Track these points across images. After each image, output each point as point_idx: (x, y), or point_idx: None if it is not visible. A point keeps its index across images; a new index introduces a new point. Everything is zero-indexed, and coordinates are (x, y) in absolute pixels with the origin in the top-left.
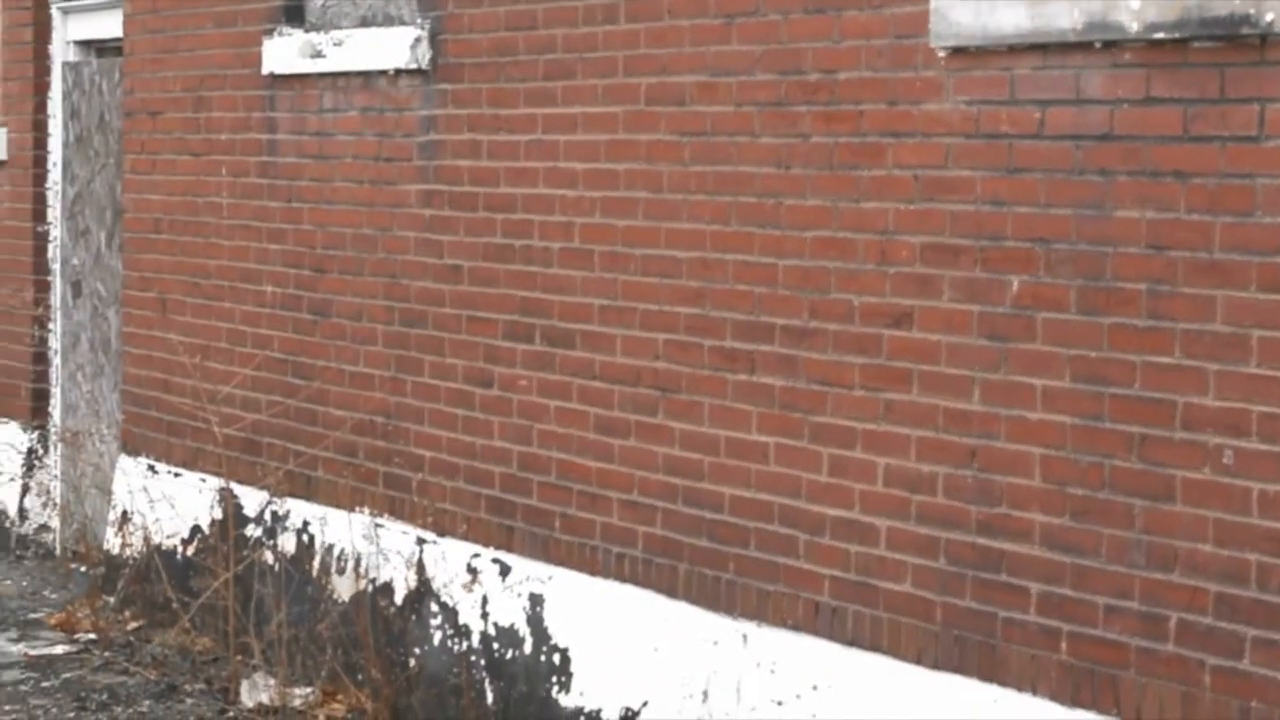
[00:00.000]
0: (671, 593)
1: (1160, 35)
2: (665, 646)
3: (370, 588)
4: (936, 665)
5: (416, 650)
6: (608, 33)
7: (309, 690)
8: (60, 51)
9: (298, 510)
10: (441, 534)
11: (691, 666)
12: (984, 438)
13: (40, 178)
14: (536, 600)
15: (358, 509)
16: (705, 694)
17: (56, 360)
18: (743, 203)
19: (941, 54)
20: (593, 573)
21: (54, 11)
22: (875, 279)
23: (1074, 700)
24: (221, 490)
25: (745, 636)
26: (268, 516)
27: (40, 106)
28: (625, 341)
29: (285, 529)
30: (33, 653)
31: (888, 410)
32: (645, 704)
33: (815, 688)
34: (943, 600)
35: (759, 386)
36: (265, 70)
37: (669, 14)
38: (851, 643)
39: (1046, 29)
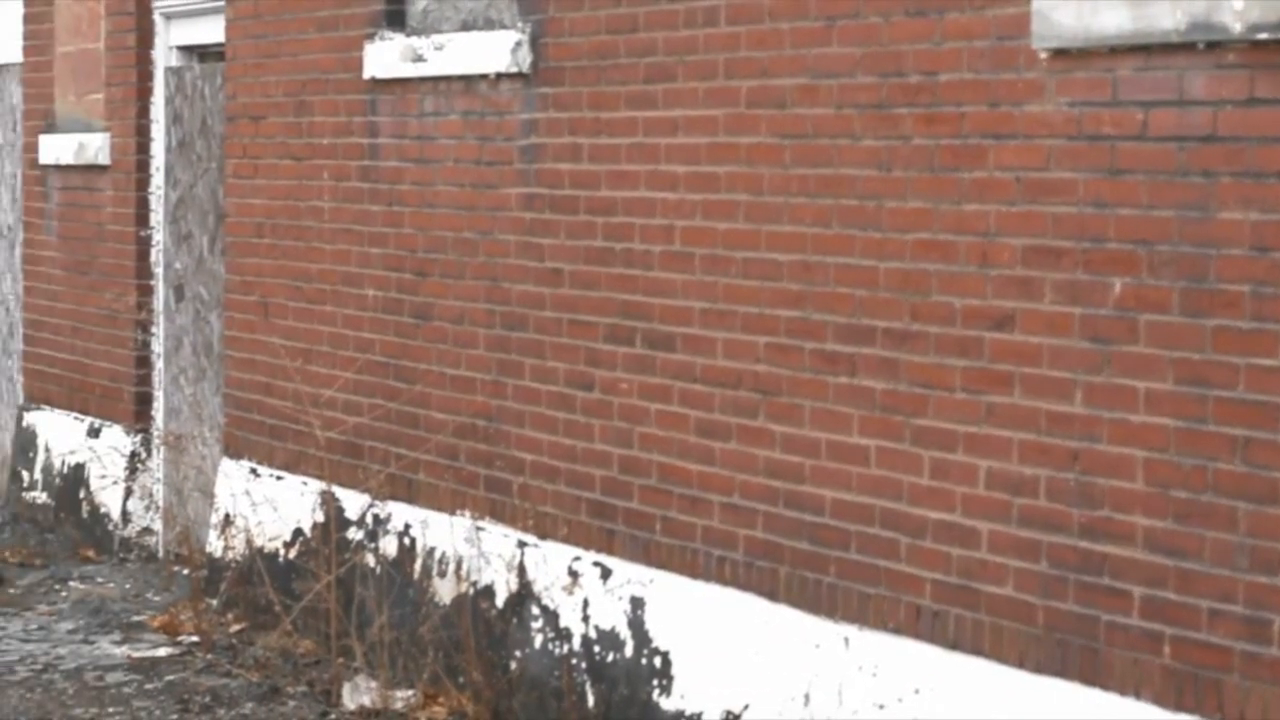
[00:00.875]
0: (772, 596)
1: (1264, 36)
2: (766, 649)
3: (471, 591)
4: (1038, 669)
5: (517, 653)
6: (708, 35)
7: (410, 693)
8: (163, 57)
9: (399, 513)
10: (542, 537)
11: (793, 669)
12: (1086, 440)
13: (143, 182)
14: (637, 603)
15: (459, 512)
16: (807, 697)
17: (159, 364)
18: (844, 205)
19: (1043, 55)
20: (694, 576)
21: (156, 17)
22: (977, 281)
23: (1177, 704)
24: (323, 493)
25: (847, 640)
26: (369, 520)
27: (143, 111)
28: (726, 344)
29: (387, 532)
30: (136, 655)
31: (989, 413)
32: (746, 707)
33: (917, 691)
34: (1045, 604)
35: (860, 389)
36: (367, 74)
37: (770, 17)
38: (953, 646)
39: (1149, 30)
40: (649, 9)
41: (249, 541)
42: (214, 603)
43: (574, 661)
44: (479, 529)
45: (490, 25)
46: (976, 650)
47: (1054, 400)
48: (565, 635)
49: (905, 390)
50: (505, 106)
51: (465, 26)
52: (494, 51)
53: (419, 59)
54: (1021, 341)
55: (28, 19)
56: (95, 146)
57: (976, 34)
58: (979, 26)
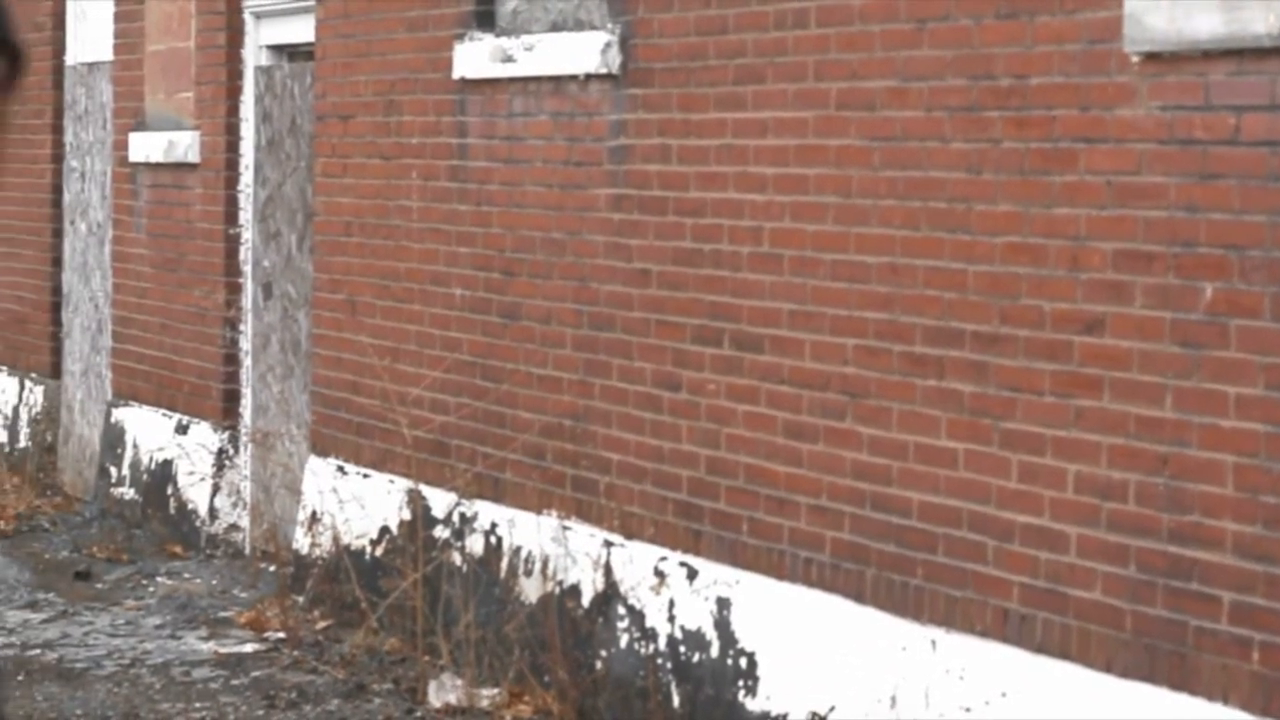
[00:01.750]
0: (859, 598)
1: None
2: (852, 651)
3: (557, 590)
4: (1126, 674)
5: (603, 652)
6: (798, 37)
7: (495, 691)
8: (252, 56)
9: (486, 512)
10: (629, 537)
11: (879, 672)
12: (1176, 445)
13: (232, 181)
14: (723, 604)
15: (545, 511)
16: (894, 699)
17: (247, 361)
18: (933, 208)
19: (1135, 59)
20: (780, 577)
21: (246, 16)
22: (1066, 285)
23: (1265, 710)
24: (410, 491)
25: (934, 642)
26: (456, 518)
27: (232, 110)
28: (814, 346)
29: (473, 530)
30: (222, 650)
31: (1078, 417)
32: (832, 709)
33: (1004, 694)
34: (1133, 608)
35: (948, 392)
36: (456, 75)
37: (860, 19)
38: (1040, 650)
39: (1241, 34)
40: (739, 11)
41: (335, 539)
42: (300, 599)
43: (659, 661)
44: (565, 528)
45: (580, 26)
46: (1064, 654)
47: (1144, 405)
48: (651, 635)
49: (994, 393)
50: (594, 107)
51: (555, 27)
52: (583, 52)
53: (508, 59)
54: (1111, 346)
55: (118, 18)
56: (185, 145)
57: (1068, 37)
58: (1070, 30)
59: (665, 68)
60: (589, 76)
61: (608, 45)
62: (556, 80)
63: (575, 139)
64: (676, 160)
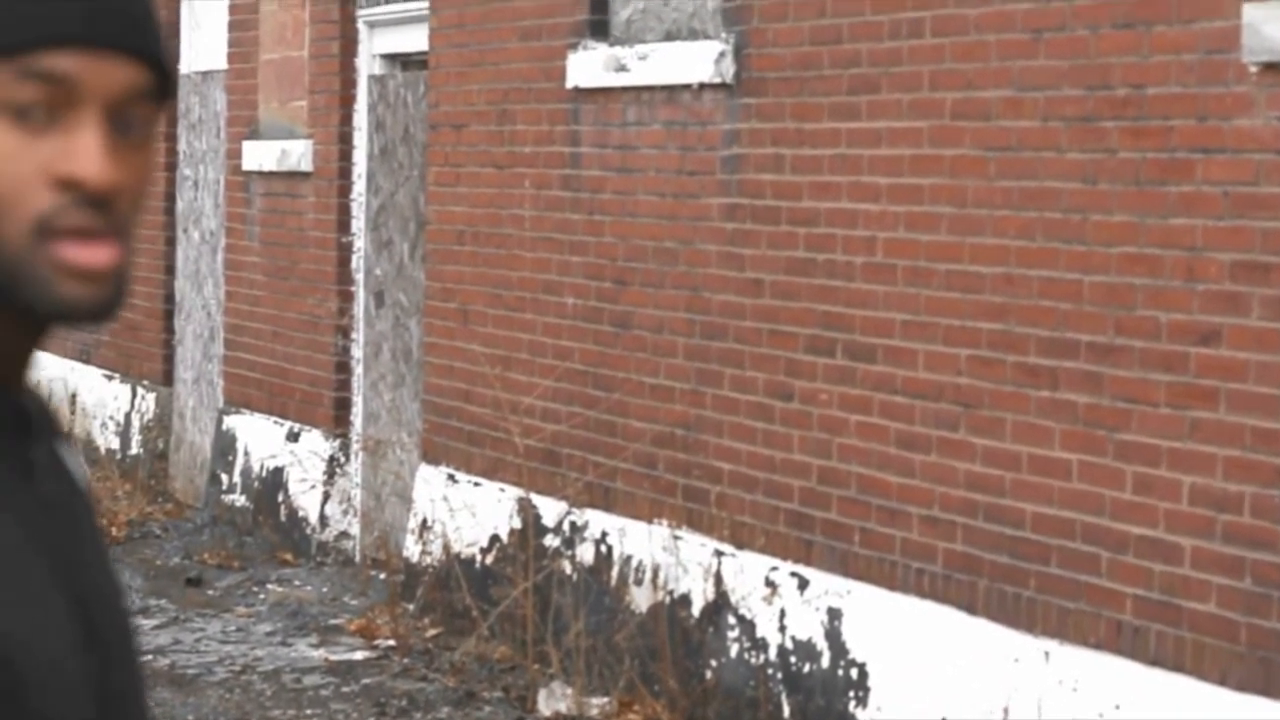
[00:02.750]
0: (971, 609)
1: None
2: (964, 662)
3: (668, 599)
4: (1241, 687)
5: (713, 662)
6: (913, 47)
7: (605, 700)
8: (366, 65)
9: (596, 521)
10: (740, 547)
11: (992, 683)
12: None
13: (345, 189)
14: (835, 614)
15: (656, 520)
16: (1006, 711)
17: (359, 369)
18: (1048, 218)
19: (1253, 69)
20: (892, 588)
21: (360, 25)
22: (1183, 296)
23: None
24: (521, 500)
25: (1047, 654)
26: (566, 527)
27: (346, 119)
28: (927, 356)
29: (584, 539)
30: (333, 658)
31: (1194, 428)
32: (943, 719)
33: (1118, 707)
34: (1248, 621)
35: (1062, 403)
36: (569, 84)
37: (975, 29)
38: (1154, 663)
39: None
40: (853, 20)
41: (446, 547)
42: (411, 607)
43: (770, 671)
44: (676, 538)
45: (694, 35)
46: (1178, 667)
47: (1260, 416)
48: (761, 645)
49: (1108, 405)
50: (708, 117)
51: (669, 36)
52: (698, 62)
53: (622, 69)
54: (1228, 357)
55: (232, 26)
56: (298, 153)
57: (1185, 47)
58: (1188, 40)
59: (779, 77)
60: (703, 86)
61: (722, 55)
62: (670, 89)
63: (689, 148)
64: (790, 170)
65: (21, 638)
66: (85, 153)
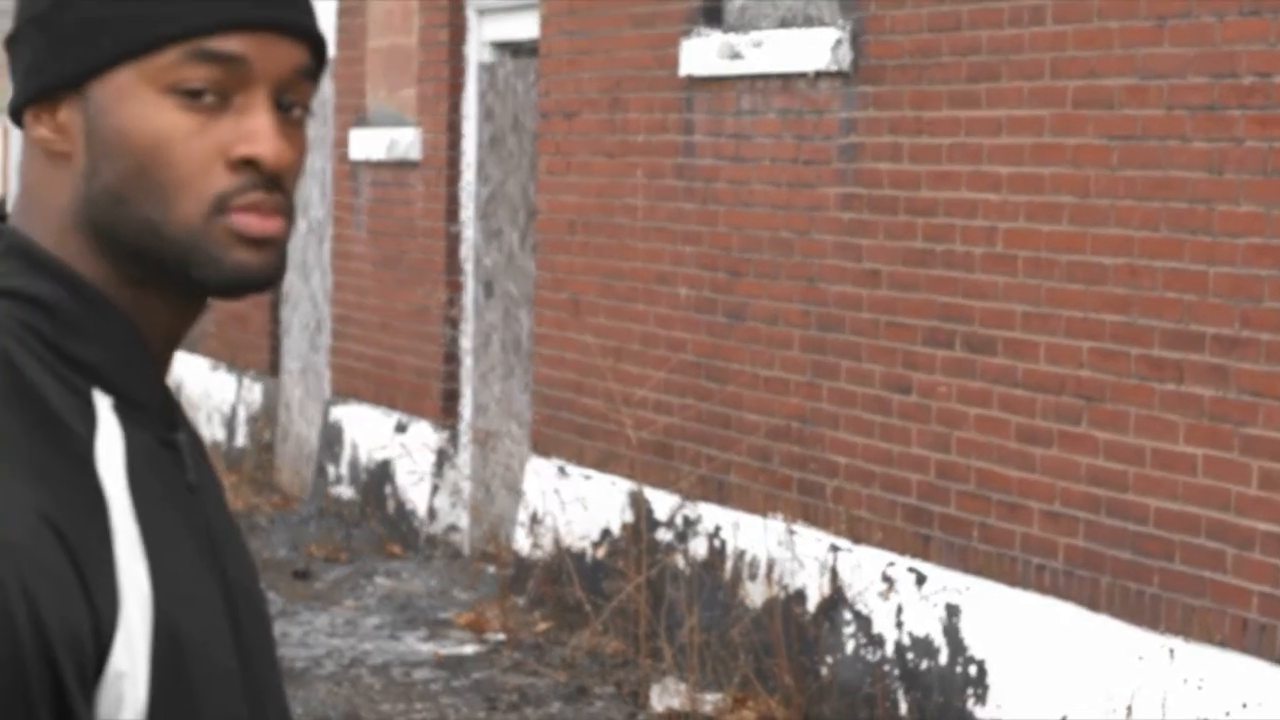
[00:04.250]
0: (1093, 605)
1: None
2: (1086, 660)
3: (783, 594)
4: None
5: (829, 658)
6: (1034, 34)
7: (719, 696)
8: (475, 52)
9: (709, 515)
10: (856, 541)
11: (1114, 681)
12: None
13: (454, 178)
14: (953, 610)
15: (771, 515)
16: (1129, 709)
17: (468, 360)
18: (1172, 208)
19: None
20: (1011, 583)
21: (469, 12)
22: None
23: None
24: (633, 493)
25: (1171, 651)
26: (679, 521)
27: (454, 107)
28: (1049, 349)
29: (697, 533)
30: (442, 652)
31: None
32: (1064, 718)
33: (1244, 705)
34: None
35: (1187, 396)
36: (682, 72)
37: (1098, 16)
38: None
39: None
40: (973, 6)
41: (556, 540)
42: (521, 601)
43: (886, 668)
44: (791, 532)
45: (810, 22)
46: None
47: None
48: (878, 641)
49: (1234, 398)
50: (824, 105)
51: (784, 23)
52: (813, 49)
53: (736, 56)
54: None
55: (340, 14)
56: (407, 142)
57: None
58: None
59: (897, 65)
60: (819, 74)
61: (839, 42)
62: (785, 77)
63: (804, 137)
64: (908, 159)
65: (188, 625)
66: (262, 134)
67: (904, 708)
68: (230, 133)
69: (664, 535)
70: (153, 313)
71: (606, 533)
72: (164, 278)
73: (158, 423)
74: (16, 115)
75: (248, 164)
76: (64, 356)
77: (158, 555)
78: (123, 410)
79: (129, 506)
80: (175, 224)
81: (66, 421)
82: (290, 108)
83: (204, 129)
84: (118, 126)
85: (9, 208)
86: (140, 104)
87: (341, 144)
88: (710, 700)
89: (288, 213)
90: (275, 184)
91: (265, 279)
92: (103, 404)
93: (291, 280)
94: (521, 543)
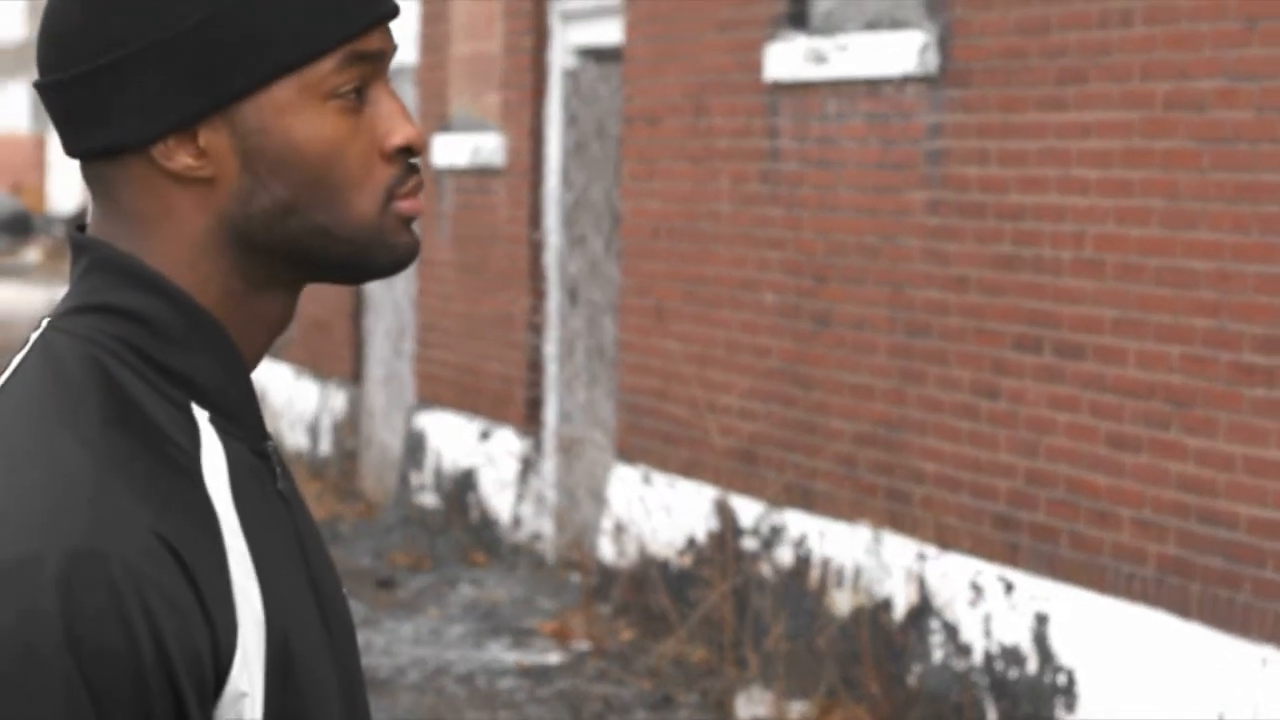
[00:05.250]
0: (1184, 613)
1: None
2: (1177, 668)
3: (869, 602)
4: None
5: (916, 667)
6: (1123, 37)
7: (805, 705)
8: (559, 58)
9: (795, 522)
10: (944, 549)
11: (1205, 689)
12: None
13: (537, 184)
14: (1042, 618)
15: (857, 522)
16: (1220, 718)
17: (552, 367)
18: (1264, 212)
19: None
20: (1100, 591)
21: (553, 18)
22: None
23: None
24: (718, 501)
25: (1264, 660)
26: (765, 528)
27: (538, 114)
28: (1138, 354)
29: (782, 541)
30: (527, 661)
31: None
32: None
33: None
34: None
35: (1278, 402)
36: (767, 76)
37: (1187, 18)
38: None
39: None
40: (1061, 10)
41: (641, 548)
42: (605, 609)
43: (974, 677)
44: (878, 540)
45: (896, 26)
46: None
47: None
48: (966, 650)
49: None
50: (910, 109)
51: (870, 27)
52: (900, 53)
53: (821, 60)
54: None
55: (424, 20)
56: (490, 149)
57: None
58: None
59: (984, 68)
60: (905, 78)
61: (925, 45)
62: (871, 82)
63: (891, 141)
64: (996, 163)
65: (296, 640)
66: (402, 118)
67: (992, 717)
68: (375, 125)
69: (749, 543)
70: (253, 324)
71: (691, 540)
72: (321, 276)
73: (251, 433)
74: (111, 151)
75: (404, 151)
76: (163, 370)
77: (265, 570)
78: (219, 423)
79: (236, 522)
80: (351, 223)
81: (173, 437)
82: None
83: (358, 128)
84: (285, 141)
85: (88, 219)
86: (306, 116)
87: (425, 151)
88: (796, 709)
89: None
90: (417, 163)
91: (415, 256)
92: (202, 417)
93: (374, 287)
94: (606, 550)
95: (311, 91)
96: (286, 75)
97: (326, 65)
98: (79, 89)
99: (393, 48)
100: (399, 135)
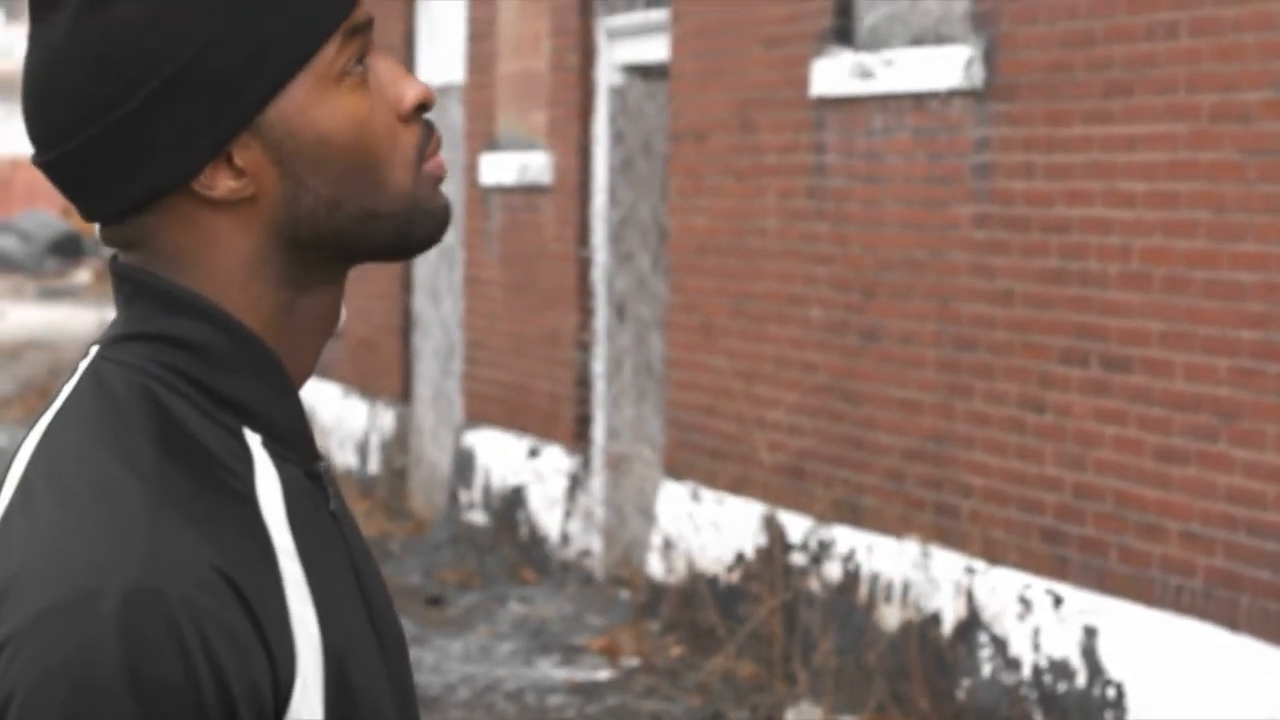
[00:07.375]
0: (1233, 626)
1: None
2: (1226, 681)
3: (918, 617)
4: None
5: (965, 681)
6: (1169, 49)
7: (854, 719)
8: (605, 75)
9: (844, 537)
10: (992, 563)
11: (1254, 702)
12: None
13: (584, 202)
14: (1090, 632)
15: (906, 537)
16: None
17: (600, 384)
18: None
19: None
20: (1149, 604)
21: (599, 36)
22: None
23: None
24: (767, 516)
25: None
26: (813, 543)
27: (585, 131)
28: (1186, 367)
29: (831, 556)
30: (576, 678)
31: None
32: None
33: None
34: None
35: None
36: (813, 92)
37: (1233, 30)
38: None
39: None
40: (1106, 22)
41: (690, 564)
42: (655, 626)
43: (1023, 691)
44: (926, 554)
45: (942, 41)
46: None
47: None
48: (1015, 664)
49: None
50: (957, 123)
51: (915, 42)
52: (946, 67)
53: (868, 75)
54: None
55: (471, 39)
56: (537, 166)
57: None
58: None
59: (1030, 82)
60: (951, 92)
61: (971, 60)
62: (917, 96)
63: (937, 156)
64: (1041, 177)
65: (353, 665)
66: (406, 78)
67: None
68: (385, 92)
69: (798, 558)
70: (308, 330)
71: (740, 556)
72: (368, 258)
73: (303, 455)
74: (150, 199)
75: (419, 109)
76: (214, 396)
77: (321, 596)
78: (271, 446)
79: (292, 546)
80: (392, 198)
81: (227, 464)
82: None
83: (372, 99)
84: (316, 136)
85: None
86: (326, 104)
87: (472, 169)
88: None
89: None
90: (432, 119)
91: (451, 212)
92: (254, 441)
93: (422, 306)
94: (655, 567)
95: (324, 79)
96: (298, 71)
97: (330, 49)
98: (94, 153)
99: (372, 13)
100: (411, 94)
